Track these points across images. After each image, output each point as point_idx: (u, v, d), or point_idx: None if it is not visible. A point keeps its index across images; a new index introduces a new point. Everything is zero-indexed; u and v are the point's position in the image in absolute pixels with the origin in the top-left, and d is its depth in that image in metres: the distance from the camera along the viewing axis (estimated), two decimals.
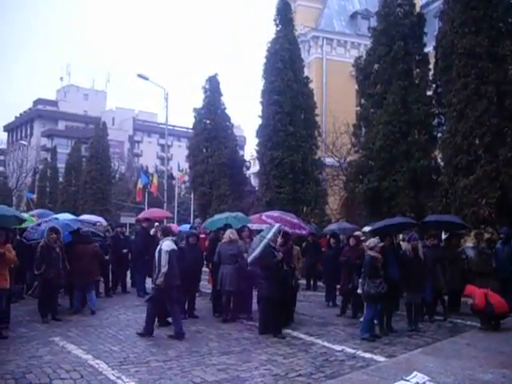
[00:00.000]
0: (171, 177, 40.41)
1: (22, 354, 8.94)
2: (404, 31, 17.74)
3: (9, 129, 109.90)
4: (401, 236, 15.07)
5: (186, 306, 12.36)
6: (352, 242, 12.96)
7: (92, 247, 13.45)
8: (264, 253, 10.46)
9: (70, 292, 13.87)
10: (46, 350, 9.21)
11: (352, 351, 9.14)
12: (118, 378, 7.64)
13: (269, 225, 12.87)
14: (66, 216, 16.51)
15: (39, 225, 14.09)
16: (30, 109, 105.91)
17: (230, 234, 12.12)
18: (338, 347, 9.40)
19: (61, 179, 50.45)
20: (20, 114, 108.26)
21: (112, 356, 8.89)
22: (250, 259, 10.74)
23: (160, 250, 10.25)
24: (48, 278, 11.89)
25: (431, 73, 17.34)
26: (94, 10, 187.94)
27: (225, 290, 11.86)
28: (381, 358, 8.61)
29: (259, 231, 12.36)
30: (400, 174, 16.74)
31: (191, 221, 26.62)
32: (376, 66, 18.33)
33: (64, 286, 13.49)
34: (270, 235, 10.69)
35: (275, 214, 14.56)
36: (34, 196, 48.18)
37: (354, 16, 35.27)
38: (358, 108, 20.28)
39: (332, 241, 15.21)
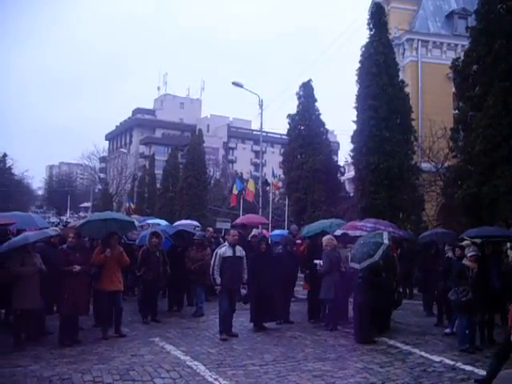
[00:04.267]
0: (266, 183, 40.74)
1: (125, 352, 9.43)
2: (506, 29, 16.99)
3: (110, 137, 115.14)
4: (508, 244, 14.40)
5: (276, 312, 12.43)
6: (458, 252, 12.47)
7: (205, 252, 13.81)
8: (381, 258, 10.41)
9: (169, 295, 14.39)
10: (147, 350, 9.65)
11: (451, 363, 8.89)
12: (216, 379, 7.87)
13: (363, 231, 12.77)
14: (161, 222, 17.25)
15: (142, 227, 14.81)
16: (129, 118, 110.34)
17: (331, 240, 12.11)
18: (436, 358, 9.18)
19: (158, 185, 52.05)
20: (120, 123, 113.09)
21: (209, 358, 9.15)
22: (363, 265, 10.52)
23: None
24: (148, 280, 12.44)
25: None
26: (188, 21, 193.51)
27: (329, 298, 11.84)
28: (482, 372, 8.31)
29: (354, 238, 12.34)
30: (501, 179, 16.03)
31: (285, 227, 26.77)
32: (475, 66, 17.68)
33: (163, 289, 14.02)
34: (386, 240, 10.59)
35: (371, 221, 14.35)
36: (128, 204, 50.09)
37: (450, 16, 34.12)
38: (456, 111, 19.68)
39: (431, 249, 14.76)
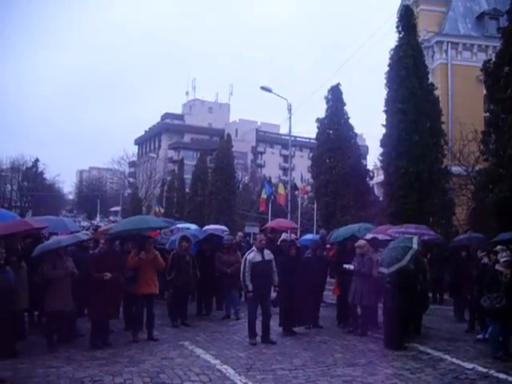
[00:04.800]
0: (295, 187, 40.68)
1: (155, 355, 9.53)
2: None
3: (139, 142, 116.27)
4: None
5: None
6: (479, 254, 12.36)
7: (237, 255, 13.88)
8: (410, 262, 10.33)
9: (198, 299, 14.46)
10: (177, 353, 9.73)
11: (484, 370, 8.73)
12: (245, 383, 7.88)
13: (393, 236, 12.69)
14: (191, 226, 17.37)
15: (172, 231, 14.94)
16: (158, 123, 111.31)
17: (365, 244, 12.03)
18: (468, 365, 9.02)
19: (187, 190, 52.34)
20: (149, 128, 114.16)
21: (239, 362, 9.18)
22: (391, 269, 10.44)
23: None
24: (177, 284, 12.52)
25: None
26: (216, 25, 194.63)
27: (359, 303, 11.77)
28: None
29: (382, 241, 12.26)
30: None
31: (314, 231, 26.68)
32: (507, 68, 17.43)
33: (193, 293, 14.10)
34: (415, 245, 10.51)
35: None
36: (157, 209, 50.48)
37: (480, 17, 33.57)
38: (487, 114, 19.39)
39: (463, 253, 14.57)
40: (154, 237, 12.92)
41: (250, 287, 10.74)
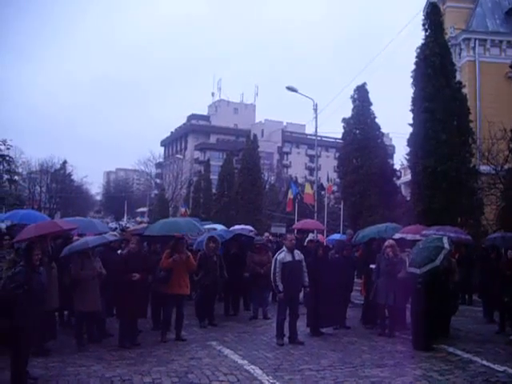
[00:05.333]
0: (321, 187, 40.54)
1: (183, 355, 9.61)
2: None
3: (165, 143, 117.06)
4: None
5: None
6: (510, 254, 12.22)
7: (269, 255, 13.87)
8: (443, 263, 10.26)
9: (225, 299, 14.51)
10: (205, 353, 9.80)
11: None
12: None
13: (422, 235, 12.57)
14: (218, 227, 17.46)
15: (198, 232, 15.04)
16: (184, 124, 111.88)
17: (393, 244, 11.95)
18: (499, 367, 8.89)
19: (214, 190, 52.51)
20: (175, 130, 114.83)
21: (266, 362, 9.21)
22: (423, 270, 10.31)
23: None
24: (205, 284, 12.59)
25: None
26: (240, 26, 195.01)
27: (381, 303, 11.72)
28: None
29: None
30: None
31: (341, 231, 26.59)
32: None
33: (220, 293, 14.16)
34: (447, 245, 10.43)
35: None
36: (184, 209, 50.70)
37: (509, 12, 32.88)
38: None
39: (492, 254, 14.36)
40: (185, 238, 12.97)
41: (281, 287, 10.73)
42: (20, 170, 71.71)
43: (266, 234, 17.99)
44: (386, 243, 11.80)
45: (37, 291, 7.74)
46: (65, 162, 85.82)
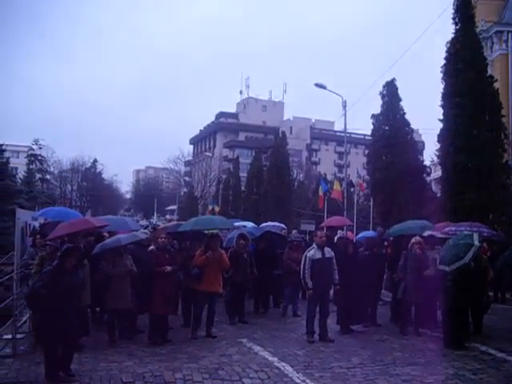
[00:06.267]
0: (351, 184, 40.31)
1: (213, 352, 9.68)
2: None
3: (194, 141, 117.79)
4: None
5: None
6: None
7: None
8: (472, 260, 10.16)
9: (256, 296, 14.54)
10: (235, 350, 9.86)
11: None
12: (303, 381, 7.96)
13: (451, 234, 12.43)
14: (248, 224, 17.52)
15: (228, 230, 15.14)
16: (212, 122, 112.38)
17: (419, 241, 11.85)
18: None
19: (243, 188, 52.61)
20: (204, 128, 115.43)
21: (296, 360, 9.23)
22: (452, 267, 10.21)
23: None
24: (235, 282, 12.64)
25: None
26: (268, 24, 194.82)
27: (407, 299, 11.62)
28: None
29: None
30: None
31: (370, 228, 26.41)
32: None
33: (250, 290, 14.20)
34: (477, 242, 10.31)
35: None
36: (211, 207, 50.87)
37: None
38: None
39: None
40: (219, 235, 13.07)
41: (310, 285, 10.75)
42: (52, 168, 73.31)
43: (294, 231, 17.95)
44: (413, 240, 11.70)
45: (65, 291, 7.87)
46: (95, 161, 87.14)
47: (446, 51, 21.49)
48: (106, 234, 12.34)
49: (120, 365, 8.69)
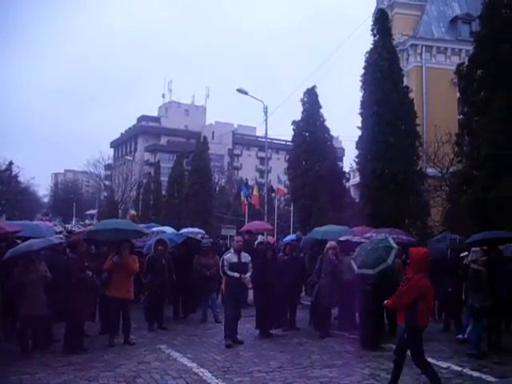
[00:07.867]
0: (271, 189, 40.70)
1: (131, 360, 9.46)
2: (510, 34, 16.91)
3: (115, 145, 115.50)
4: None
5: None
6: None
7: (216, 258, 13.81)
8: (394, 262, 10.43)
9: (175, 302, 14.36)
10: (154, 357, 9.69)
11: (458, 369, 8.89)
12: None
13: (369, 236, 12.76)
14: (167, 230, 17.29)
15: (146, 235, 14.85)
16: (134, 125, 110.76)
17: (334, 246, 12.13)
18: (443, 364, 9.15)
19: (164, 192, 52.11)
20: (125, 131, 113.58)
21: (216, 365, 9.17)
22: (377, 270, 10.33)
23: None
24: (153, 287, 12.46)
25: None
26: (192, 29, 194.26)
27: (322, 303, 11.82)
28: (491, 378, 8.29)
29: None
30: (508, 183, 15.95)
31: (291, 233, 26.73)
32: (479, 71, 17.63)
33: (169, 296, 14.01)
34: (395, 245, 10.57)
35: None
36: (132, 212, 50.14)
37: (454, 21, 34.12)
38: (461, 116, 19.57)
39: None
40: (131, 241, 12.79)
41: (237, 275, 10.88)
42: None
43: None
44: (328, 245, 12.01)
45: None
46: (11, 163, 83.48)
47: (365, 61, 22.11)
48: (18, 241, 11.84)
49: (32, 376, 8.32)
